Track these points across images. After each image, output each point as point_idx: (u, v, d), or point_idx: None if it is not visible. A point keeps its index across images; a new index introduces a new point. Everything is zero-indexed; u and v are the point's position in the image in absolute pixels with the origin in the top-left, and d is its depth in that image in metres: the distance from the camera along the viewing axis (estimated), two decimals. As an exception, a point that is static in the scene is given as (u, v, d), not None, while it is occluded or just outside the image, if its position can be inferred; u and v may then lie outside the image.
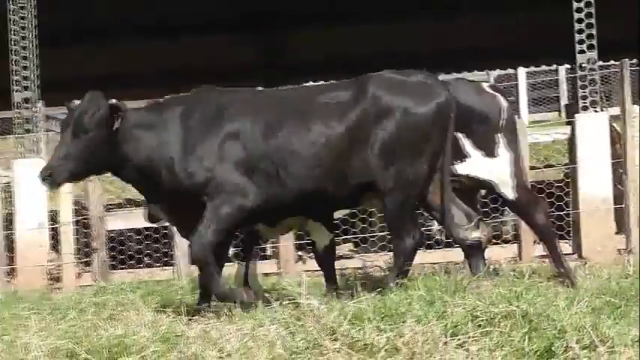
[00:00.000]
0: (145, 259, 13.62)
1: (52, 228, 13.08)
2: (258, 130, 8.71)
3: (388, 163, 8.69)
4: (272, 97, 9.32)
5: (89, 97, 8.83)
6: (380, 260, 12.66)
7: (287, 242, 13.15)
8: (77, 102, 8.94)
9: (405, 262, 8.93)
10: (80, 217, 13.16)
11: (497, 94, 9.80)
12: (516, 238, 13.07)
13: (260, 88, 9.24)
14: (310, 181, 8.70)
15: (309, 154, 8.66)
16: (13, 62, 12.62)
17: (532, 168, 13.80)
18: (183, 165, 8.69)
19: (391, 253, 12.80)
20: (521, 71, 30.39)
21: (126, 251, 13.78)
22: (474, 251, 9.51)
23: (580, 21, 12.85)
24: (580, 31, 12.85)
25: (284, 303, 8.00)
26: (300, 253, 13.64)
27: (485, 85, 10.05)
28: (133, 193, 11.83)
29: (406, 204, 8.88)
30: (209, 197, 8.64)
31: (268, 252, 14.36)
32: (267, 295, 9.22)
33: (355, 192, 8.95)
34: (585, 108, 12.75)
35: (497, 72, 30.15)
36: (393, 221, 8.99)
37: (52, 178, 8.66)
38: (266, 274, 12.73)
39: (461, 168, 9.52)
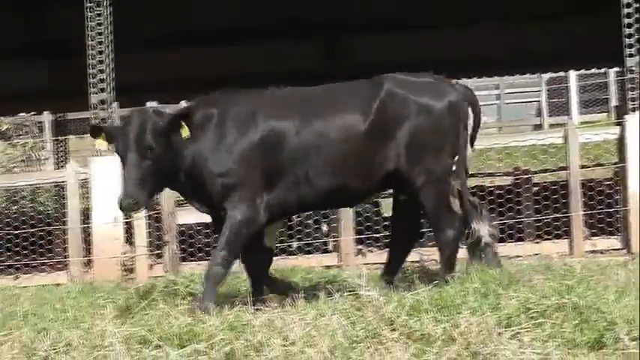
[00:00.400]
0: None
1: (126, 222, 13.15)
2: (292, 129, 8.57)
3: (414, 159, 8.65)
4: (295, 96, 9.02)
5: (138, 114, 8.46)
6: (436, 254, 12.59)
7: (347, 236, 13.12)
8: (116, 123, 8.72)
9: (450, 253, 8.85)
10: (152, 212, 13.24)
11: None
12: (567, 233, 12.94)
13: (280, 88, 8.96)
14: (339, 178, 8.61)
15: (338, 151, 8.58)
16: (90, 66, 12.73)
17: (582, 167, 13.67)
18: (217, 169, 8.47)
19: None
20: (572, 74, 30.15)
21: (195, 244, 13.82)
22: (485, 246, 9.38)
23: (629, 25, 12.71)
24: (629, 36, 12.72)
25: (345, 294, 7.99)
26: (359, 246, 13.61)
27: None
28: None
29: (440, 197, 8.78)
30: (229, 203, 8.48)
31: (329, 246, 14.35)
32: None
33: (377, 188, 8.96)
34: (634, 109, 12.62)
35: (549, 75, 29.96)
36: (432, 215, 8.91)
37: (137, 205, 8.24)
38: (327, 267, 12.73)
39: None
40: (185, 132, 8.33)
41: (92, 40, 12.64)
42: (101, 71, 12.70)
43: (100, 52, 12.65)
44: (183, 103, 8.67)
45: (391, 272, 9.30)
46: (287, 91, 8.98)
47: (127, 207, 8.20)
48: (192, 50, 18.27)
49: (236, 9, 16.83)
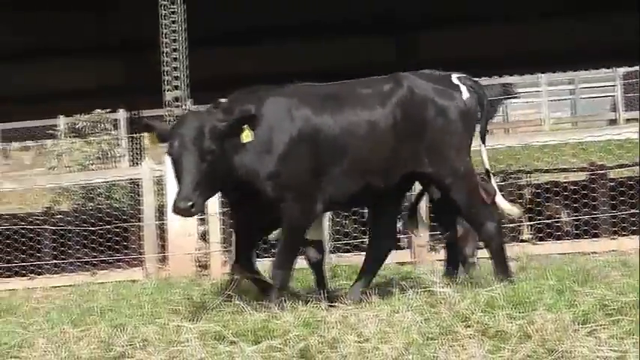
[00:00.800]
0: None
1: (201, 218, 13.25)
2: (328, 125, 8.47)
3: (438, 158, 8.64)
4: (326, 92, 8.80)
5: (194, 116, 8.36)
6: (510, 251, 12.52)
7: (421, 232, 13.07)
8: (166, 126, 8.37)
9: (497, 245, 8.74)
10: (227, 209, 13.31)
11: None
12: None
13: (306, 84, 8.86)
14: (366, 176, 8.55)
15: (367, 148, 8.52)
16: (165, 63, 12.83)
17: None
18: (271, 169, 8.28)
19: (521, 243, 12.75)
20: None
21: (268, 241, 13.87)
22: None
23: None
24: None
25: (418, 291, 7.97)
26: (433, 243, 13.56)
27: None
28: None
29: (472, 193, 8.73)
30: (285, 203, 8.34)
31: (403, 242, 14.32)
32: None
33: (399, 184, 8.83)
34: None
35: (625, 69, 29.63)
36: (467, 213, 8.85)
37: (193, 208, 7.80)
38: (400, 264, 12.72)
39: None
40: (247, 136, 8.09)
41: (166, 38, 12.74)
42: (175, 68, 12.80)
43: (175, 50, 12.75)
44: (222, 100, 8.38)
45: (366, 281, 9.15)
46: (317, 87, 8.85)
47: (183, 210, 7.76)
48: (269, 46, 18.40)
49: (312, 5, 16.87)
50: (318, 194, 8.44)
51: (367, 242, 9.56)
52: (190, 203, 7.71)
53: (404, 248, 13.77)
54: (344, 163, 8.45)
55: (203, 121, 7.99)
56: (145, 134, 8.41)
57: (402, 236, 14.33)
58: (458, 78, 8.94)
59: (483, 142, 9.04)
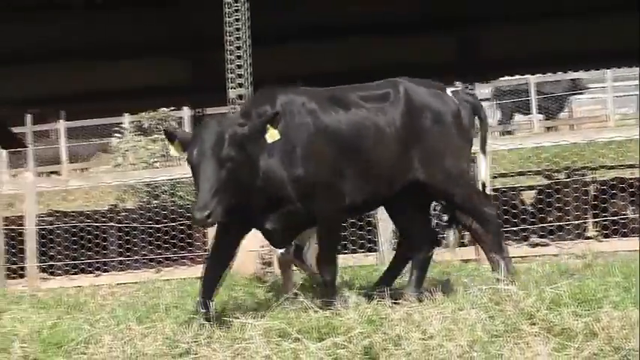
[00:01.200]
0: (350, 245, 13.68)
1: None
2: (342, 129, 8.38)
3: (434, 164, 8.63)
4: (334, 96, 8.65)
5: (211, 123, 7.95)
6: (575, 248, 12.43)
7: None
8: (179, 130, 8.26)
9: (494, 227, 8.91)
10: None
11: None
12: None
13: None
14: (370, 183, 8.50)
15: (374, 154, 8.48)
16: (229, 61, 12.87)
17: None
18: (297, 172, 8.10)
19: (587, 240, 12.64)
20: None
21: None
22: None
23: None
24: None
25: (483, 288, 7.93)
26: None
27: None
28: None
29: (469, 196, 8.81)
30: (316, 205, 8.22)
31: (466, 240, 14.26)
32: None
33: (397, 190, 8.74)
34: None
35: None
36: (466, 208, 8.94)
37: (210, 218, 7.56)
38: (465, 261, 12.67)
39: None
40: (273, 135, 7.87)
41: (230, 36, 12.79)
42: (239, 66, 12.84)
43: (238, 48, 12.80)
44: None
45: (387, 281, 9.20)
46: (326, 90, 8.75)
47: (199, 220, 7.54)
48: (328, 45, 18.39)
49: (371, 4, 16.85)
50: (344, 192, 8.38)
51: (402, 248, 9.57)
52: (207, 213, 7.46)
53: (467, 245, 13.70)
54: (355, 167, 8.40)
55: (223, 128, 7.77)
56: (168, 144, 8.15)
57: (466, 233, 14.28)
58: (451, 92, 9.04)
59: (484, 153, 9.15)
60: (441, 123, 8.69)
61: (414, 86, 8.79)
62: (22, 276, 14.44)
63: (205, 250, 13.92)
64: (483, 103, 30.06)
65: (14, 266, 14.61)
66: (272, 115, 7.90)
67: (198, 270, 13.62)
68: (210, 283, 8.35)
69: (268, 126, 7.85)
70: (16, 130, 23.40)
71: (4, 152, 30.22)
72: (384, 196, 8.77)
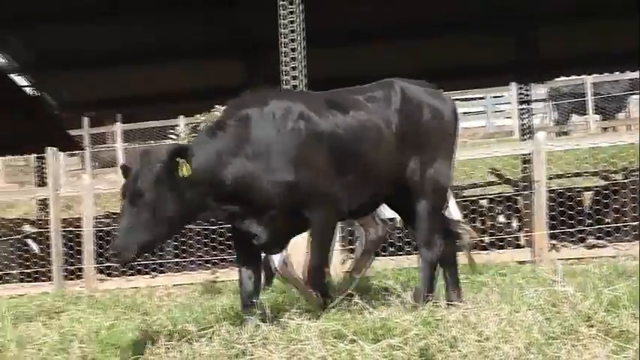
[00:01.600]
0: (406, 247, 13.67)
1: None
2: (335, 131, 8.07)
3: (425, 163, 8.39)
4: (326, 99, 8.34)
5: (136, 158, 7.81)
6: (632, 249, 12.31)
7: (541, 231, 12.95)
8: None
9: (432, 269, 8.49)
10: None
11: None
12: None
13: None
14: (367, 185, 8.26)
15: (370, 156, 8.21)
16: (283, 63, 12.90)
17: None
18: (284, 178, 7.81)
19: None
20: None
21: (387, 240, 13.86)
22: None
23: None
24: None
25: (539, 290, 7.88)
26: (553, 241, 13.43)
27: None
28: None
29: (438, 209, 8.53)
30: (310, 210, 7.98)
31: (521, 241, 14.19)
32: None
33: (389, 194, 8.54)
34: None
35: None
36: (424, 227, 8.45)
37: (120, 257, 7.49)
38: (520, 262, 12.61)
39: None
40: (183, 170, 7.54)
41: (284, 37, 12.82)
42: (294, 68, 12.87)
43: (293, 49, 12.82)
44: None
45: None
46: (314, 94, 8.53)
47: (113, 259, 7.69)
48: (382, 45, 18.39)
49: (426, 4, 16.82)
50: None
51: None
52: (116, 253, 7.44)
53: (523, 247, 13.65)
54: (351, 172, 8.14)
55: (141, 163, 7.61)
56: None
57: (521, 234, 14.22)
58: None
59: None
60: (440, 121, 8.49)
61: (409, 84, 8.57)
62: (79, 277, 14.63)
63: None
64: (539, 104, 29.93)
65: (72, 267, 14.78)
66: (176, 150, 7.62)
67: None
68: (246, 297, 8.22)
69: (179, 160, 7.55)
70: (73, 132, 23.57)
71: (62, 155, 30.53)
72: (383, 197, 8.56)
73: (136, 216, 7.44)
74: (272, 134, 7.82)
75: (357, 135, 8.14)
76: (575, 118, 31.96)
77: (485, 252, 13.41)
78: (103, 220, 15.66)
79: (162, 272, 14.81)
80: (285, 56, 12.82)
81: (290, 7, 12.78)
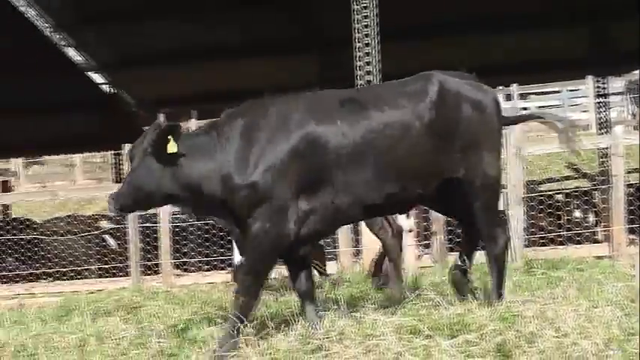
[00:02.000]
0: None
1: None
2: (335, 133, 7.83)
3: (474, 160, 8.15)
4: (339, 99, 8.10)
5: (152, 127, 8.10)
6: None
7: (619, 225, 12.79)
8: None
9: (504, 258, 8.30)
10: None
11: None
12: None
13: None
14: (389, 184, 7.94)
15: (400, 152, 7.92)
16: (357, 58, 12.90)
17: None
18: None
19: None
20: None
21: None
22: None
23: None
24: None
25: (618, 285, 7.79)
26: (632, 236, 13.26)
27: None
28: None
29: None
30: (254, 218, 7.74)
31: (599, 236, 14.06)
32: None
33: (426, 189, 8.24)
34: None
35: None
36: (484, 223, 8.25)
37: (112, 206, 8.01)
38: (598, 257, 12.46)
39: None
40: (172, 147, 7.84)
41: (358, 33, 12.82)
42: (368, 63, 12.86)
43: (367, 45, 12.82)
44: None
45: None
46: (330, 95, 8.27)
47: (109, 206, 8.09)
48: (454, 39, 18.32)
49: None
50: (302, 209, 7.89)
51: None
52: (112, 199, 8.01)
53: (601, 242, 13.50)
54: (358, 173, 7.88)
55: (144, 135, 8.06)
56: None
57: (598, 229, 14.08)
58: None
59: None
60: (482, 113, 8.21)
61: (449, 77, 8.30)
62: (157, 272, 14.75)
63: (335, 247, 14.03)
64: (616, 97, 29.50)
65: (149, 263, 14.92)
66: (168, 128, 7.89)
67: (328, 267, 13.76)
68: (303, 300, 8.24)
69: (169, 137, 7.85)
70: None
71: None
72: (414, 196, 8.21)
73: (130, 174, 8.06)
74: (249, 140, 7.81)
75: (373, 133, 7.85)
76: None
77: (562, 247, 13.30)
78: (179, 215, 15.77)
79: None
80: (359, 51, 12.82)
81: (364, 2, 12.78)
